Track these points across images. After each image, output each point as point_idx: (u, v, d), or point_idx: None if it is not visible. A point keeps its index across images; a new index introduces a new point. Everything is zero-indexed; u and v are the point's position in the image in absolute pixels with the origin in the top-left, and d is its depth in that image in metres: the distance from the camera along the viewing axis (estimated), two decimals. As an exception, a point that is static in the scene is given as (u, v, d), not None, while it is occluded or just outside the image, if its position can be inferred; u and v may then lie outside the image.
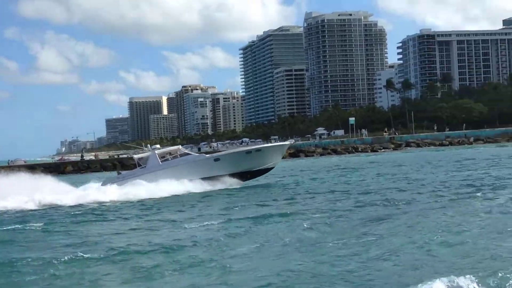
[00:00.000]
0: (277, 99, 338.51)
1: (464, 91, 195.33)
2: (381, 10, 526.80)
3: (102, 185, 42.54)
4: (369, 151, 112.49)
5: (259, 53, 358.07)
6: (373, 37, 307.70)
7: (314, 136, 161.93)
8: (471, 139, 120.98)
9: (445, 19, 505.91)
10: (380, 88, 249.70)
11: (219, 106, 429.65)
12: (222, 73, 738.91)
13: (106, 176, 53.05)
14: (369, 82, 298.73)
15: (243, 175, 44.45)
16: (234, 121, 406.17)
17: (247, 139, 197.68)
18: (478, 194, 29.04)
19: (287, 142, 54.89)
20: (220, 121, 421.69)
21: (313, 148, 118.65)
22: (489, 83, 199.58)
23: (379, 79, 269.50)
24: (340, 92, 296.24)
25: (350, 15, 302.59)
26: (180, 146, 52.34)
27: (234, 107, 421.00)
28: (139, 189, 39.36)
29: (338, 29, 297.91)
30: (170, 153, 44.71)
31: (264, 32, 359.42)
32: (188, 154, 46.12)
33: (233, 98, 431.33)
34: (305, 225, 22.06)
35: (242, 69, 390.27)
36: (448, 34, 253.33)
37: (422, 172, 48.27)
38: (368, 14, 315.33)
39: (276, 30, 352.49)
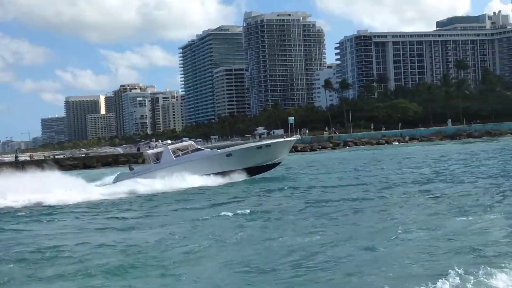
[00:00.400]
0: (217, 98, 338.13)
1: (399, 91, 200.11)
2: (319, 11, 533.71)
3: (114, 181, 43.07)
4: (308, 150, 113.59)
5: (199, 53, 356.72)
6: (312, 37, 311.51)
7: (254, 136, 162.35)
8: (407, 138, 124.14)
9: (381, 21, 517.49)
10: (319, 88, 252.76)
11: (159, 106, 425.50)
12: (161, 72, 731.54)
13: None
14: (308, 82, 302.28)
15: (253, 170, 45.42)
16: (174, 120, 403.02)
17: (187, 139, 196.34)
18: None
19: (293, 138, 55.22)
20: (159, 121, 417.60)
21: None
22: (423, 83, 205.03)
23: (318, 79, 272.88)
24: (280, 92, 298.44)
25: (289, 15, 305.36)
26: (192, 142, 52.47)
27: (173, 106, 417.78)
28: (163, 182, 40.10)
29: (277, 29, 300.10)
30: (180, 149, 45.70)
31: (203, 31, 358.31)
32: (200, 149, 46.80)
33: (173, 97, 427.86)
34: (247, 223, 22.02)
35: (182, 69, 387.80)
36: (384, 35, 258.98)
37: (367, 169, 49.14)
38: (306, 14, 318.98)
39: (215, 29, 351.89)
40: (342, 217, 22.93)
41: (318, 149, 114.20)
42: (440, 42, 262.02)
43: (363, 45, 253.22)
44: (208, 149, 49.84)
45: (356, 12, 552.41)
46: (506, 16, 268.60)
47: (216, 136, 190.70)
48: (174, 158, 43.72)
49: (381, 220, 21.45)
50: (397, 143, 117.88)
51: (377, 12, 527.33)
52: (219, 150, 48.29)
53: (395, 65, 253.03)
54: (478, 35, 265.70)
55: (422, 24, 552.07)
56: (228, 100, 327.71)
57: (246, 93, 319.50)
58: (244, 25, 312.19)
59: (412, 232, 18.60)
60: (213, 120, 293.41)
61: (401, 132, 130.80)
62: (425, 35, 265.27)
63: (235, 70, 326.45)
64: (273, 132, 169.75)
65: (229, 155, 45.46)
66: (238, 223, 22.79)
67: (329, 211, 24.55)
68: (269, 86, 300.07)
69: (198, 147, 48.46)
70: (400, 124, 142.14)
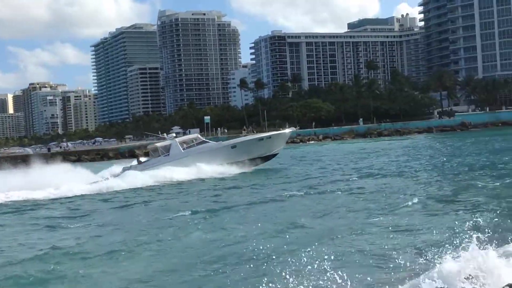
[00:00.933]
0: (131, 97, 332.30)
1: (313, 91, 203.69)
2: (234, 11, 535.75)
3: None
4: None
5: (112, 51, 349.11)
6: (227, 37, 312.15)
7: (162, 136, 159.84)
8: (321, 137, 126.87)
9: (295, 21, 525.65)
10: (234, 87, 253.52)
11: (70, 105, 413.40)
12: (73, 71, 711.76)
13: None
14: (224, 81, 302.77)
15: (255, 161, 48.49)
16: (86, 120, 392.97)
17: (100, 139, 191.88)
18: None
19: (290, 130, 57.20)
20: (71, 120, 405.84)
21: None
22: (335, 83, 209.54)
23: (233, 79, 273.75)
24: (195, 91, 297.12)
25: (204, 14, 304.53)
26: (198, 135, 55.11)
27: (86, 105, 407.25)
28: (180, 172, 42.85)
29: (192, 28, 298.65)
30: (187, 142, 48.04)
31: (116, 29, 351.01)
32: (205, 142, 49.10)
33: (85, 96, 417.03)
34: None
35: (94, 67, 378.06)
36: (298, 36, 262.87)
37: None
38: (221, 14, 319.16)
39: (129, 27, 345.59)
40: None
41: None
42: (351, 43, 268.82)
43: (278, 45, 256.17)
44: (213, 142, 52.18)
45: (271, 12, 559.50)
46: (414, 19, 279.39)
47: (131, 136, 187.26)
48: (183, 151, 45.94)
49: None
50: (312, 142, 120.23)
51: (291, 13, 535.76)
52: (223, 142, 51.55)
53: (308, 65, 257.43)
54: (387, 36, 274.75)
55: (334, 25, 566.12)
56: (143, 99, 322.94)
57: (161, 92, 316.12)
58: (159, 23, 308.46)
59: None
60: (127, 120, 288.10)
61: (315, 131, 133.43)
62: (337, 36, 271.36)
63: (150, 69, 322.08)
64: (189, 132, 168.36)
65: (233, 146, 48.23)
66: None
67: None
68: (184, 85, 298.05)
69: (204, 139, 50.49)
70: (314, 123, 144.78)
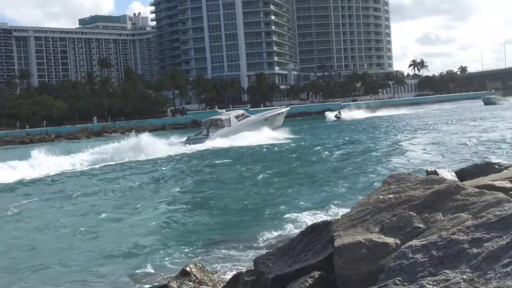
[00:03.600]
0: None
1: (43, 88, 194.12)
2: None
3: (185, 142, 54.38)
4: None
5: None
6: None
7: None
8: (53, 136, 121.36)
9: (25, 14, 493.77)
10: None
11: None
12: None
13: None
14: None
15: (274, 130, 62.14)
16: None
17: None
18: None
19: (286, 109, 76.06)
20: None
21: None
22: (68, 80, 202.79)
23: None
24: None
25: None
26: (244, 111, 68.30)
27: None
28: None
29: None
30: (238, 117, 61.31)
31: None
32: (248, 116, 63.75)
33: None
34: None
35: None
36: (26, 29, 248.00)
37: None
38: None
39: None
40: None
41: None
42: (83, 39, 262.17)
43: (3, 39, 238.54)
44: (253, 115, 66.16)
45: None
46: (146, 18, 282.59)
47: None
48: (238, 123, 59.82)
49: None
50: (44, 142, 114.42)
51: (20, 6, 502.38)
52: (257, 115, 67.15)
53: (38, 61, 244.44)
54: (120, 34, 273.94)
55: (68, 21, 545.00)
56: None
57: None
58: None
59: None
60: None
61: (47, 130, 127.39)
62: (68, 32, 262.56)
63: None
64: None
65: (266, 119, 64.28)
66: None
67: None
68: None
69: (247, 114, 65.10)
70: (45, 121, 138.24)
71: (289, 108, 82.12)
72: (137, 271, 12.68)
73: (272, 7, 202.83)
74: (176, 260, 13.32)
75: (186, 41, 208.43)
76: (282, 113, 69.69)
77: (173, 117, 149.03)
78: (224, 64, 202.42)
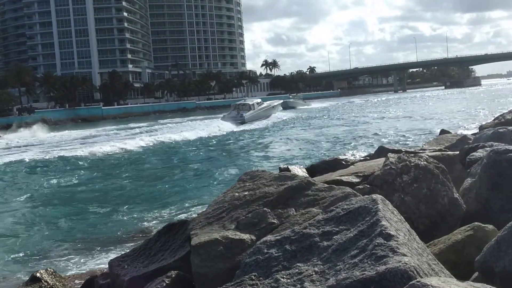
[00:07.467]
0: None
1: None
2: None
3: (222, 119, 71.33)
4: None
5: None
6: None
7: None
8: None
9: None
10: None
11: None
12: None
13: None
14: None
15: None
16: None
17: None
18: None
19: (279, 101, 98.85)
20: None
21: None
22: None
23: None
24: None
25: None
26: (259, 99, 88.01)
27: None
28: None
29: None
30: (258, 103, 79.45)
31: None
32: (262, 103, 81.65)
33: None
34: None
35: None
36: None
37: None
38: None
39: None
40: None
41: None
42: None
43: None
44: (267, 101, 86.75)
45: None
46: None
47: None
48: (258, 107, 77.04)
49: None
50: None
51: None
52: (267, 102, 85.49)
53: None
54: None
55: None
56: None
57: None
58: None
59: None
60: None
61: None
62: None
63: None
64: None
65: (273, 107, 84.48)
66: None
67: None
68: None
69: (261, 101, 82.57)
70: None
71: (282, 101, 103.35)
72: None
73: (124, 3, 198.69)
74: (25, 266, 12.63)
75: (32, 36, 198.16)
76: (279, 103, 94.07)
77: (20, 116, 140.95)
78: (75, 61, 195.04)
